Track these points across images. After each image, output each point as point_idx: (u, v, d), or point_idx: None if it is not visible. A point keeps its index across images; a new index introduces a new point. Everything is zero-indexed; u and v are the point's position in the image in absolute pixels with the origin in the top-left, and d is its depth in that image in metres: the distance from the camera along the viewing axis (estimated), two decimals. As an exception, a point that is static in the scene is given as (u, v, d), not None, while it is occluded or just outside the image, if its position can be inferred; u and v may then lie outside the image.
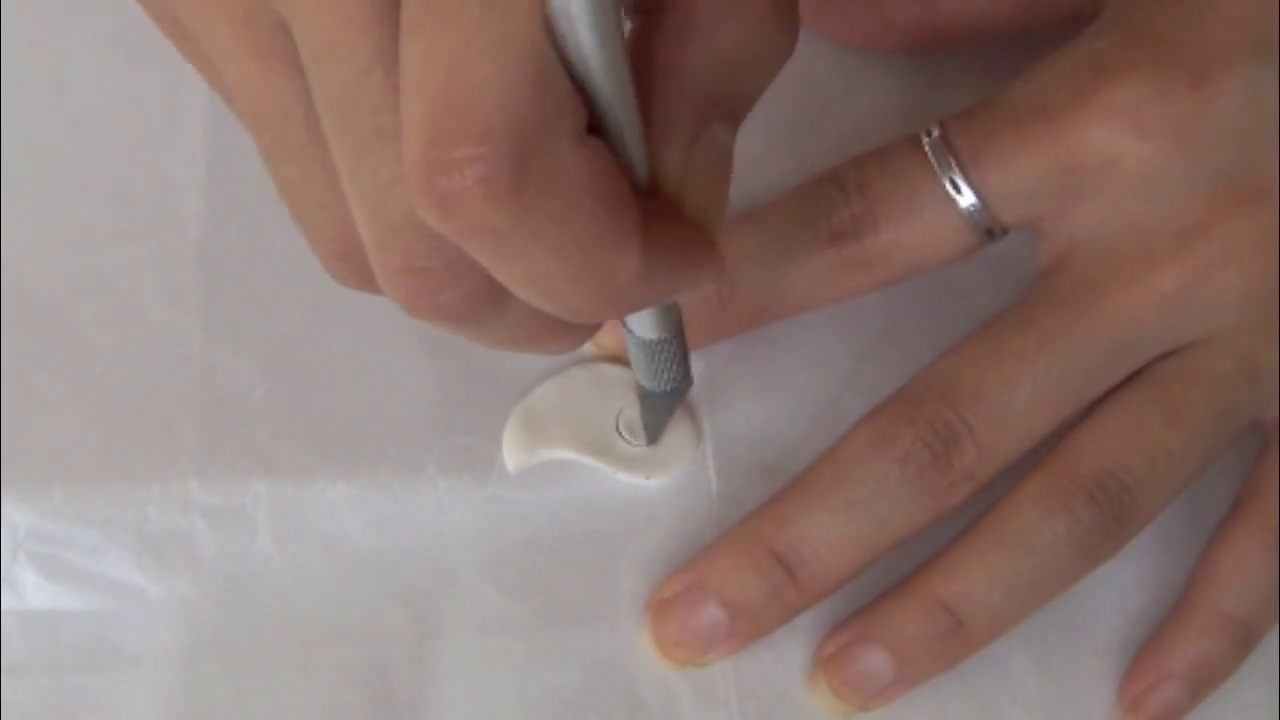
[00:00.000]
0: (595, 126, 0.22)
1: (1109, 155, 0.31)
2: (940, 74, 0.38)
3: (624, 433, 0.35)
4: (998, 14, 0.35)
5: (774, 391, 0.36)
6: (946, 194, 0.32)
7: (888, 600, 0.34)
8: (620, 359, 0.36)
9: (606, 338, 0.35)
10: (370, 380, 0.35)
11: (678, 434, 0.35)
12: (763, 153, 0.37)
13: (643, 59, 0.24)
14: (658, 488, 0.35)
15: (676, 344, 0.31)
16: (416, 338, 0.35)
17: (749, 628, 0.33)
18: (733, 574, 0.33)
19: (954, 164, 0.32)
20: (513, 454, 0.35)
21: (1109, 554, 0.33)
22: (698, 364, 0.36)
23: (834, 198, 0.33)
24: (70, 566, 0.34)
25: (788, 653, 0.35)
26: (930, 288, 0.36)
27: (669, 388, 0.32)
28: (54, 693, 0.33)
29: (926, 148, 0.32)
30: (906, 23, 0.36)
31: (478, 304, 0.24)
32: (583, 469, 0.35)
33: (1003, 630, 0.33)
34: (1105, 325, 0.31)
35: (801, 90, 0.37)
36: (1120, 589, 0.35)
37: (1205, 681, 0.34)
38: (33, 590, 0.33)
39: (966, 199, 0.32)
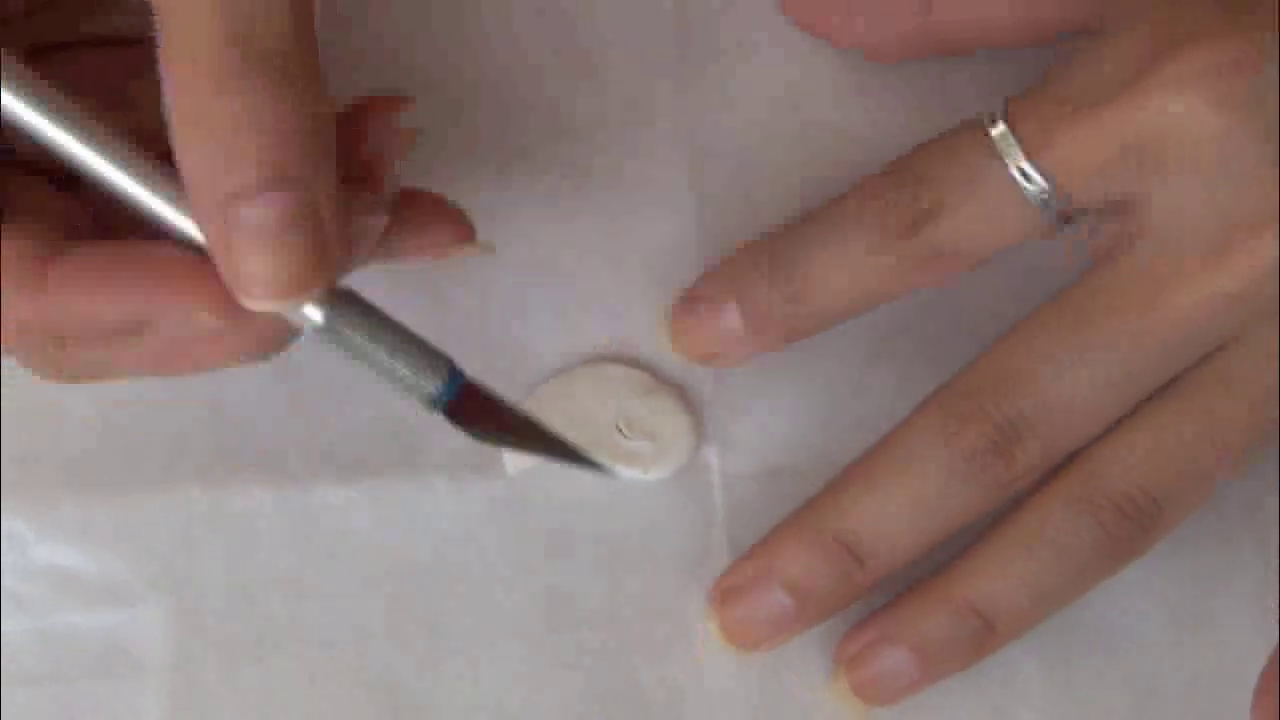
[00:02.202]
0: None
1: (1182, 130, 0.30)
2: (947, 79, 0.37)
3: (623, 429, 0.35)
4: (997, 27, 0.35)
5: (779, 392, 0.36)
6: (1016, 183, 0.31)
7: (911, 600, 0.34)
8: (622, 358, 0.36)
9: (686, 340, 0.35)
10: (371, 384, 0.35)
11: (676, 429, 0.35)
12: (767, 159, 0.37)
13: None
14: (662, 489, 0.35)
15: (360, 318, 0.28)
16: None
17: (818, 611, 0.34)
18: (800, 560, 0.33)
19: (1021, 153, 0.31)
20: (512, 454, 0.35)
21: (1134, 558, 0.33)
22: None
23: (901, 190, 0.33)
24: (76, 575, 0.34)
25: (793, 651, 0.35)
26: (937, 289, 0.36)
27: (428, 389, 0.29)
28: (63, 701, 0.34)
29: (993, 135, 0.32)
30: (908, 33, 0.35)
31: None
32: (582, 470, 0.35)
33: (1025, 631, 0.33)
34: (1169, 327, 0.31)
35: (805, 97, 0.37)
36: (1129, 589, 0.35)
37: None
38: (40, 600, 0.34)
39: (1036, 186, 0.31)
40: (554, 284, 0.36)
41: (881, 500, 0.33)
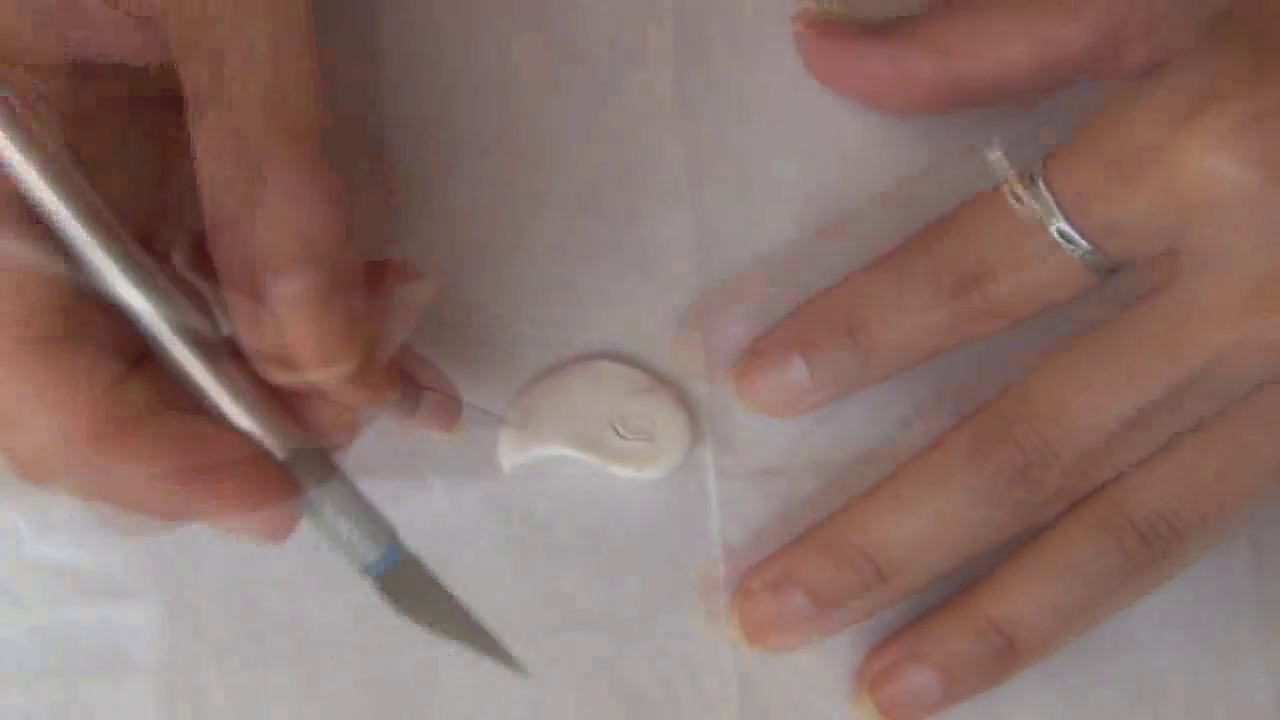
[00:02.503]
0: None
1: (1211, 189, 0.30)
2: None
3: (618, 427, 0.35)
4: (1015, 73, 0.34)
5: (775, 392, 0.36)
6: (1058, 244, 0.32)
7: (935, 619, 0.34)
8: (618, 357, 0.36)
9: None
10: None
11: (672, 428, 0.35)
12: (766, 160, 0.37)
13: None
14: (657, 488, 0.35)
15: (316, 469, 0.29)
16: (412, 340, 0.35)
17: (837, 620, 0.34)
18: (823, 568, 0.34)
19: (1059, 214, 0.31)
20: (508, 453, 0.35)
21: (1159, 585, 0.33)
22: (697, 365, 0.36)
23: (951, 250, 0.33)
24: (72, 571, 0.34)
25: (790, 652, 0.35)
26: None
27: (366, 556, 0.30)
28: (61, 698, 0.34)
29: (1033, 196, 0.32)
30: (925, 78, 0.35)
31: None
32: (579, 469, 0.35)
33: (1049, 652, 0.33)
34: (1199, 368, 0.31)
35: (805, 98, 0.37)
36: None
37: None
38: (36, 596, 0.34)
39: (1077, 247, 0.31)
40: (552, 282, 0.36)
41: (907, 516, 0.33)
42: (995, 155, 0.32)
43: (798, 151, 0.37)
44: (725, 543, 0.35)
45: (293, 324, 0.27)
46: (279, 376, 0.28)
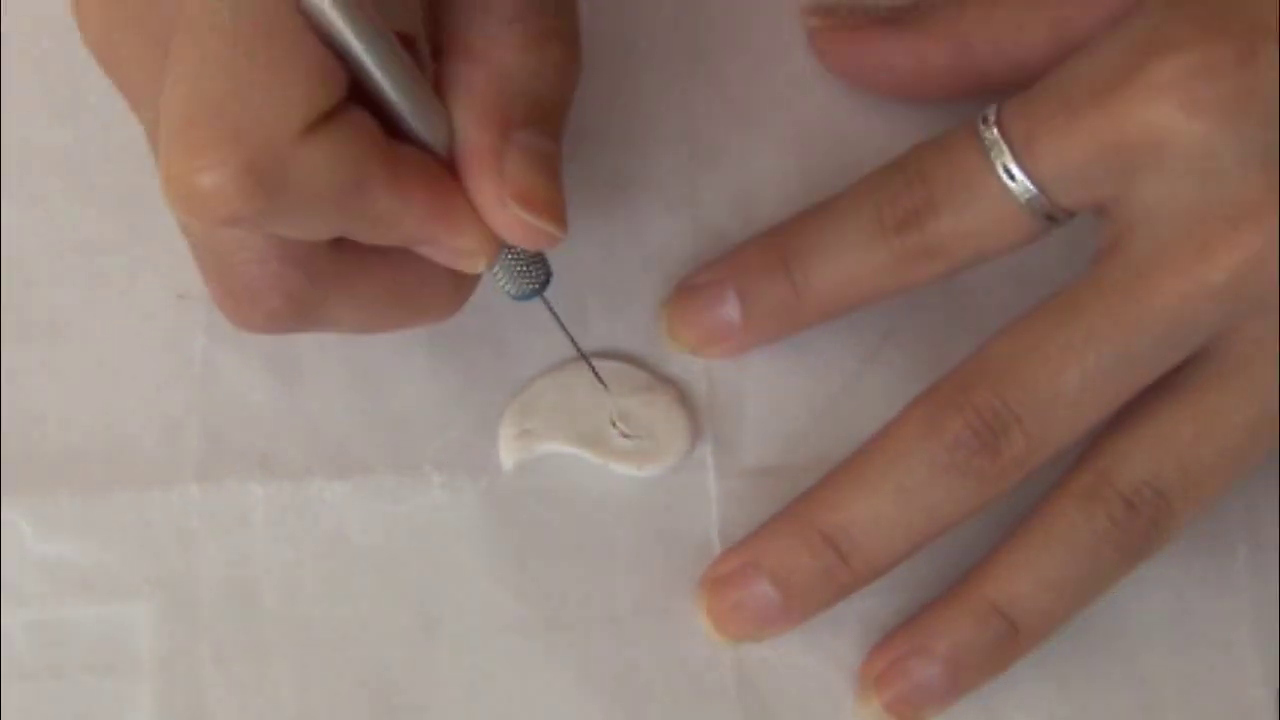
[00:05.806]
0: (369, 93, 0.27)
1: (1157, 135, 0.30)
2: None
3: (619, 425, 0.35)
4: (1033, 53, 0.34)
5: (775, 391, 0.36)
6: (1001, 181, 0.32)
7: (936, 610, 0.34)
8: (619, 355, 0.36)
9: None
10: (367, 379, 0.35)
11: (672, 426, 0.35)
12: (766, 159, 0.37)
13: (443, 89, 0.29)
14: (657, 485, 0.35)
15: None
16: (413, 337, 0.35)
17: (802, 606, 0.34)
18: (786, 555, 0.33)
19: (1007, 151, 0.31)
20: (508, 450, 0.35)
21: (1151, 553, 0.33)
22: (697, 364, 0.36)
23: (896, 186, 0.33)
24: (74, 570, 0.34)
25: (788, 647, 0.35)
26: (933, 289, 0.36)
27: (529, 290, 0.32)
28: (59, 695, 0.34)
29: (981, 134, 0.32)
30: (945, 67, 0.35)
31: (296, 311, 0.29)
32: (579, 466, 0.35)
33: (1051, 632, 0.33)
34: (1154, 318, 0.31)
35: (804, 98, 0.37)
36: (1124, 590, 0.35)
37: None
38: (37, 594, 0.34)
39: (1021, 186, 0.31)
40: (552, 281, 0.36)
41: (868, 494, 0.33)
42: (992, 134, 0.32)
43: (798, 151, 0.37)
44: (724, 541, 0.35)
45: (521, 169, 0.28)
46: (507, 215, 0.29)
